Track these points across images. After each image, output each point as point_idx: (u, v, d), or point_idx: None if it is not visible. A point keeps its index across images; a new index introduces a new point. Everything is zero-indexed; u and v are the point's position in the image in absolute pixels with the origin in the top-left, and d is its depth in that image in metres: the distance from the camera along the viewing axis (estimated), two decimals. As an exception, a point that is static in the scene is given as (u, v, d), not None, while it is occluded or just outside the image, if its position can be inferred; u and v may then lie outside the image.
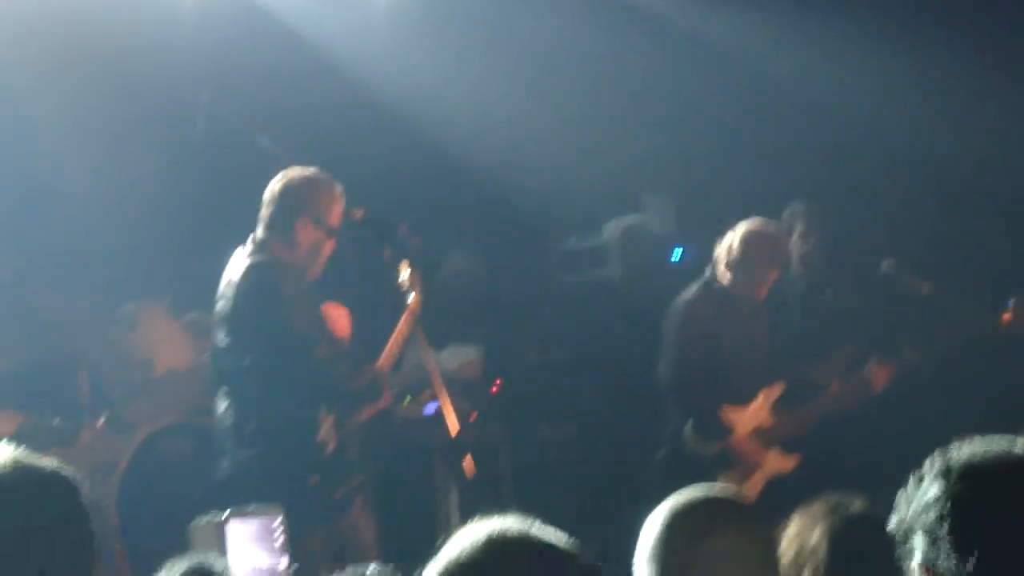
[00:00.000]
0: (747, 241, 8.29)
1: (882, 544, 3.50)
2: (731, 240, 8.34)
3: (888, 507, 2.68)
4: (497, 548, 2.35)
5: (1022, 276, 9.05)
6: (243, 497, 6.53)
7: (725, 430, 8.29)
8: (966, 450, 2.59)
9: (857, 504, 3.77)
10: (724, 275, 8.35)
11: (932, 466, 2.58)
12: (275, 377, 7.02)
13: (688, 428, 8.32)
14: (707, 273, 8.47)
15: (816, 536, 3.66)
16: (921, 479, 2.59)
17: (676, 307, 8.48)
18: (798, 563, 3.61)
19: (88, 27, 8.82)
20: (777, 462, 8.32)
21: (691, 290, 8.51)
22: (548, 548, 2.39)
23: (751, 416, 8.37)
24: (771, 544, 3.12)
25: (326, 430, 7.13)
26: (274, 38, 9.52)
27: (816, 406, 8.50)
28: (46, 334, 8.55)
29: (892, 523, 2.62)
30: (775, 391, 8.43)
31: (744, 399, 8.40)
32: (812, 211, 9.07)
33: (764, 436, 8.36)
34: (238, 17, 9.43)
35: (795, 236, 8.97)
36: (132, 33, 9.03)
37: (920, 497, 2.56)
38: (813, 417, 8.48)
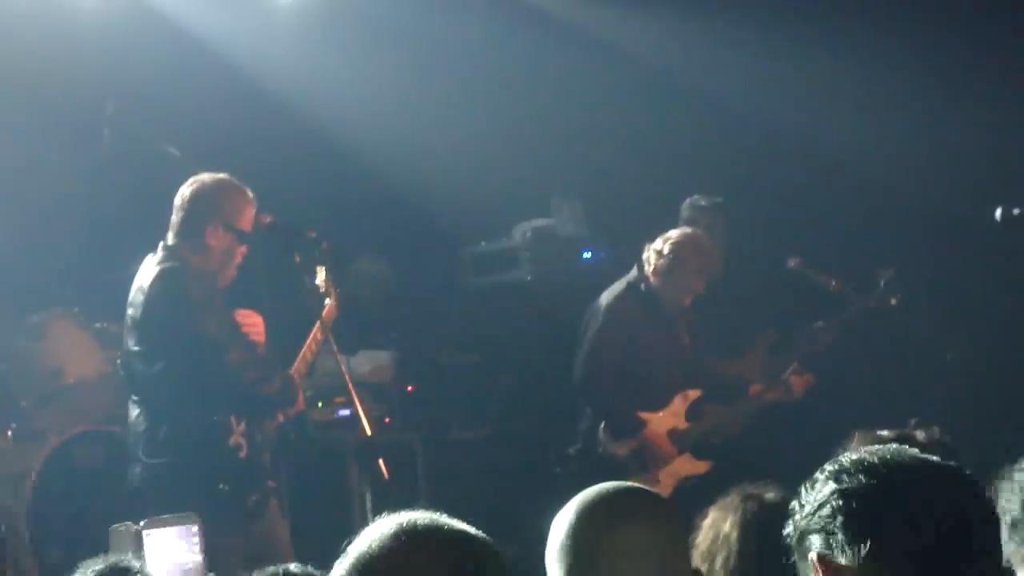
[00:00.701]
0: (678, 249, 8.34)
1: None
2: (661, 245, 8.38)
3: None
4: (407, 538, 2.36)
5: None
6: (156, 504, 6.49)
7: (636, 430, 8.34)
8: (854, 452, 2.65)
9: (769, 494, 3.82)
10: (651, 279, 8.40)
11: (822, 471, 2.63)
12: (186, 383, 6.98)
13: (602, 428, 8.36)
14: (633, 274, 8.51)
15: (728, 525, 3.69)
16: (812, 484, 2.63)
17: (598, 306, 8.52)
18: (711, 552, 3.64)
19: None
20: (689, 465, 8.38)
21: (614, 290, 8.54)
22: (458, 535, 2.41)
23: (666, 419, 8.42)
24: (679, 536, 3.11)
25: (238, 436, 7.10)
26: (177, 45, 9.49)
27: (734, 410, 8.58)
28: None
29: (787, 530, 2.66)
30: (692, 395, 8.49)
31: (661, 402, 8.45)
32: (715, 205, 9.13)
33: (678, 439, 8.42)
34: (139, 26, 9.39)
35: (699, 227, 9.02)
36: (33, 44, 8.97)
37: (812, 499, 2.61)
38: (730, 420, 8.56)
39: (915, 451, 2.64)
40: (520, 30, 10.18)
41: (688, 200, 9.15)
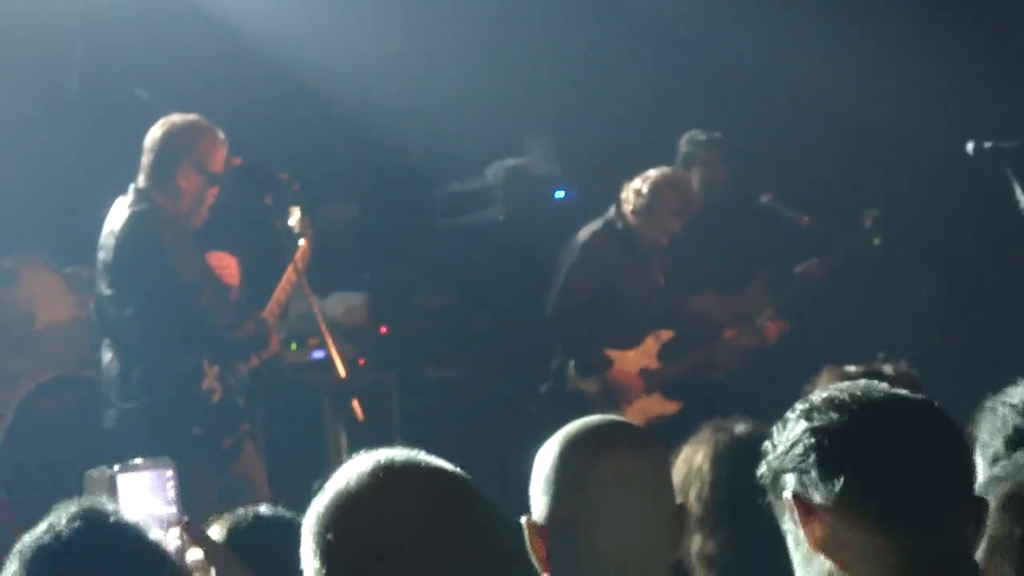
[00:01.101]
0: (656, 189, 8.35)
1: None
2: (640, 184, 8.38)
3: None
4: (384, 474, 2.35)
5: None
6: (130, 449, 6.48)
7: (603, 367, 8.35)
8: (824, 390, 2.64)
9: (740, 426, 3.84)
10: (628, 217, 8.40)
11: (793, 410, 2.62)
12: (158, 327, 6.98)
13: (571, 365, 8.39)
14: (610, 212, 8.51)
15: (700, 457, 3.71)
16: (784, 423, 2.62)
17: (573, 243, 8.54)
18: (685, 486, 3.65)
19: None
20: (659, 405, 8.41)
21: (591, 227, 8.55)
22: (436, 470, 2.40)
23: (637, 357, 8.45)
24: (663, 467, 3.13)
25: (211, 380, 7.09)
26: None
27: (705, 352, 8.60)
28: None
29: (761, 471, 2.66)
30: (664, 335, 8.51)
31: (634, 341, 8.48)
32: (713, 139, 9.08)
33: (649, 378, 8.44)
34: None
35: (697, 163, 8.98)
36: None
37: (785, 438, 2.60)
38: (702, 361, 8.59)
39: (885, 386, 2.64)
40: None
41: (686, 135, 9.11)
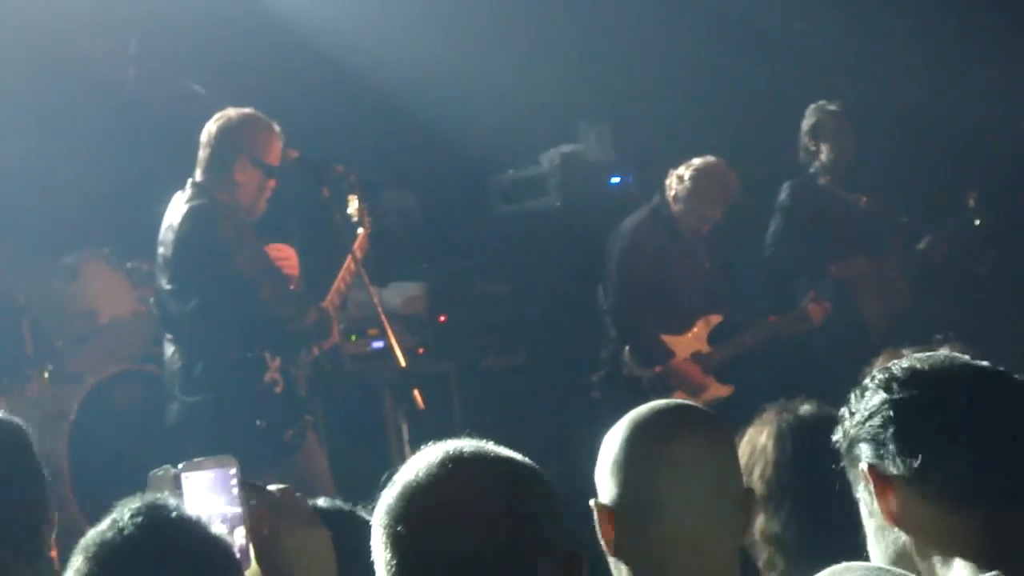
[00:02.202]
0: (696, 178, 8.38)
1: (829, 443, 3.56)
2: (683, 171, 8.40)
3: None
4: (453, 465, 2.36)
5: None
6: (193, 442, 6.53)
7: (663, 356, 8.38)
8: (904, 361, 2.62)
9: (806, 406, 3.83)
10: (671, 204, 8.43)
11: (872, 379, 2.61)
12: (219, 321, 7.00)
13: (626, 352, 8.40)
14: (655, 199, 8.54)
15: (764, 437, 3.70)
16: (863, 392, 2.61)
17: (622, 231, 8.57)
18: (749, 466, 3.64)
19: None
20: (713, 389, 8.42)
21: (638, 216, 8.59)
22: (504, 460, 2.41)
23: (689, 342, 8.48)
24: (731, 451, 3.12)
25: (273, 372, 7.12)
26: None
27: (753, 336, 8.60)
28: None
29: (836, 436, 2.65)
30: (713, 320, 8.54)
31: (684, 326, 8.51)
32: (844, 110, 8.94)
33: (702, 363, 8.47)
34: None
35: (826, 133, 8.89)
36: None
37: (863, 407, 2.58)
38: (750, 345, 8.58)
39: (967, 358, 2.62)
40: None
41: (814, 104, 9.00)
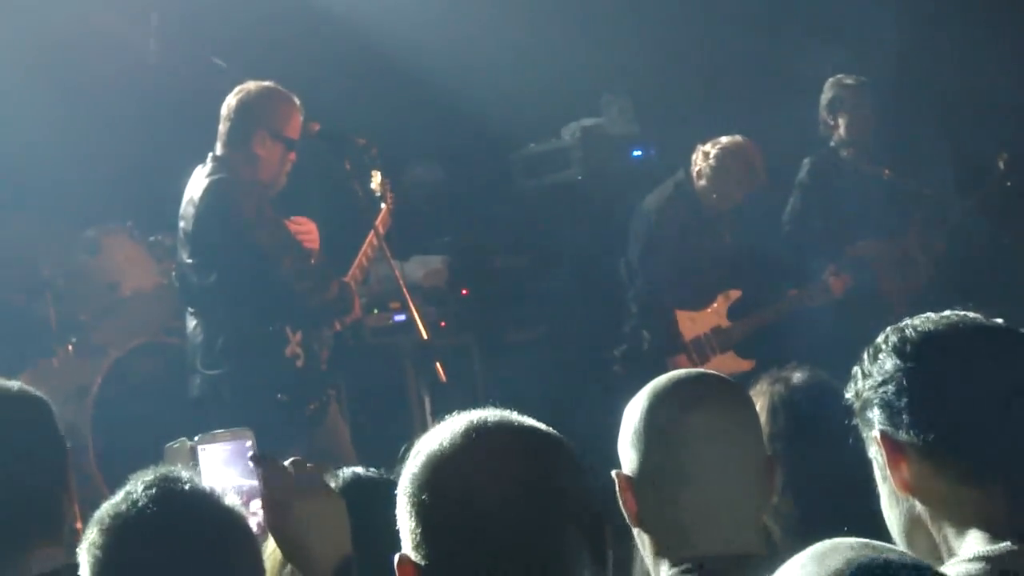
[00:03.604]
0: (722, 157, 8.37)
1: (822, 410, 3.54)
2: (709, 148, 8.40)
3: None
4: (477, 435, 2.35)
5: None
6: (215, 415, 6.53)
7: (677, 340, 8.41)
8: (919, 323, 2.58)
9: (798, 374, 3.83)
10: (695, 181, 8.43)
11: (886, 340, 2.57)
12: (240, 295, 7.00)
13: (647, 325, 8.43)
14: (679, 175, 8.53)
15: (758, 407, 3.70)
16: (875, 353, 2.57)
17: (646, 208, 8.58)
18: None
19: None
20: (733, 363, 8.43)
21: (660, 192, 8.59)
22: (528, 430, 2.41)
23: (709, 317, 8.49)
24: (753, 418, 3.10)
25: (294, 346, 7.12)
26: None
27: (773, 310, 8.60)
28: (9, 262, 8.53)
29: (848, 394, 2.62)
30: (733, 295, 8.55)
31: (707, 300, 8.53)
32: (861, 84, 8.90)
33: (722, 337, 8.48)
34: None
35: (844, 108, 8.85)
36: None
37: (876, 371, 2.55)
38: (771, 319, 8.58)
39: (979, 318, 2.57)
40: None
41: (832, 78, 8.94)
